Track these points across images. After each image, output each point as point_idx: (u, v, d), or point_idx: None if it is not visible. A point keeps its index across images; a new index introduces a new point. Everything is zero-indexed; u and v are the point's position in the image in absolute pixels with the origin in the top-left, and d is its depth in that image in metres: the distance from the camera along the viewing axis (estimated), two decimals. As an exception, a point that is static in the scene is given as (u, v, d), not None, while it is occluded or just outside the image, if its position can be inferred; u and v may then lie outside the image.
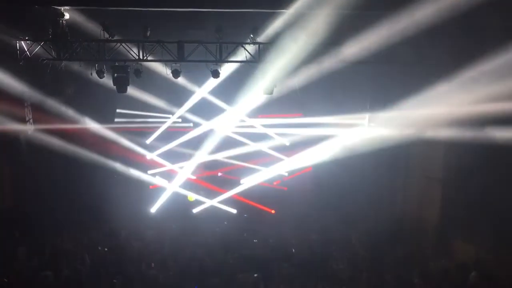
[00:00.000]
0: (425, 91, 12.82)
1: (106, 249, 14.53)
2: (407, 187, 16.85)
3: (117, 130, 18.58)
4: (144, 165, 19.47)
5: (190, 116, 19.21)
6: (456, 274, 12.51)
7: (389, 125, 15.21)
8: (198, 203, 19.50)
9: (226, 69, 14.73)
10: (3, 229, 15.24)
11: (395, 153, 16.62)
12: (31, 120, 16.23)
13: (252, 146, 19.75)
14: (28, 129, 16.18)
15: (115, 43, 12.95)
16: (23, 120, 15.94)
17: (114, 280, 12.02)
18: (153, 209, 19.28)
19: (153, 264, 13.32)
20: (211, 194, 19.78)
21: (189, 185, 19.84)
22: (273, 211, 19.60)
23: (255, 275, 12.52)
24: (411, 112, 13.65)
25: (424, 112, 13.16)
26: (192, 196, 19.32)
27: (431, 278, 12.34)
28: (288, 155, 19.70)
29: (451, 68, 11.96)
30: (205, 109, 18.80)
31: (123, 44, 12.99)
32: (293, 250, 14.93)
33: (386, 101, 15.04)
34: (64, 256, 13.46)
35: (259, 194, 19.92)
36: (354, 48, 12.73)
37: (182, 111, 18.83)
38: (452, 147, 13.79)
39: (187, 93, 17.90)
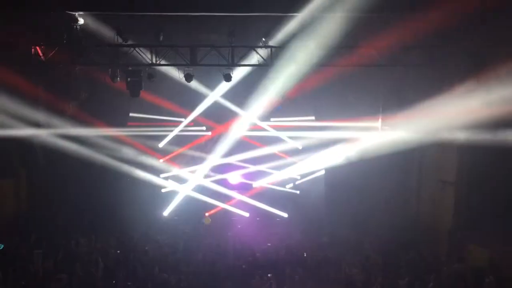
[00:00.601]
0: (439, 93, 12.74)
1: (118, 251, 14.62)
2: (420, 191, 16.70)
3: (130, 134, 18.73)
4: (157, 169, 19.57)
5: (202, 120, 19.30)
6: (471, 278, 12.36)
7: (403, 128, 15.12)
8: (210, 206, 19.53)
9: (239, 73, 14.77)
10: (19, 232, 15.42)
11: (409, 156, 16.51)
12: (45, 124, 16.40)
13: (264, 150, 19.78)
14: (43, 133, 16.36)
15: (128, 48, 13.06)
16: (38, 125, 16.12)
17: (128, 283, 12.10)
18: (166, 213, 19.37)
19: (167, 269, 13.37)
20: (223, 198, 19.84)
21: (202, 188, 19.89)
22: (285, 215, 19.57)
23: (269, 275, 12.50)
24: (424, 114, 13.55)
25: (437, 114, 13.06)
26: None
27: (446, 283, 12.21)
28: (300, 159, 19.68)
29: (466, 71, 11.87)
30: (217, 113, 18.86)
31: (137, 48, 13.09)
32: (305, 254, 14.87)
33: (399, 104, 14.95)
34: (78, 260, 13.55)
35: (272, 197, 19.92)
36: (367, 51, 12.70)
37: (194, 114, 18.92)
38: (466, 150, 13.66)
39: (199, 97, 17.96)
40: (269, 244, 15.95)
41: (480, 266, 12.68)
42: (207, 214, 18.99)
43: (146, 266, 13.32)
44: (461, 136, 12.88)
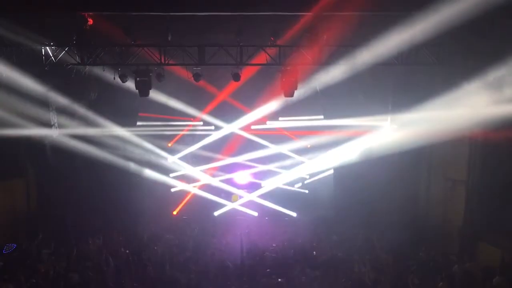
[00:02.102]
0: (449, 91, 12.65)
1: (127, 251, 14.67)
2: (430, 189, 16.61)
3: (139, 134, 18.84)
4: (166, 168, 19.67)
5: (211, 119, 19.35)
6: (481, 278, 12.27)
7: (412, 127, 15.04)
8: (219, 205, 19.59)
9: (247, 72, 14.77)
10: (29, 232, 15.54)
11: (418, 155, 16.42)
12: (56, 124, 16.53)
13: (273, 149, 19.79)
14: (53, 133, 16.48)
15: (137, 48, 13.12)
16: (48, 125, 16.24)
17: (138, 282, 12.15)
18: (175, 212, 19.44)
19: (175, 264, 13.43)
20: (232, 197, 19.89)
21: (211, 187, 19.95)
22: (294, 214, 19.57)
23: (279, 279, 12.47)
24: (434, 113, 13.47)
25: (447, 113, 12.97)
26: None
27: (456, 282, 12.12)
28: (309, 158, 19.66)
29: (476, 68, 11.77)
30: (226, 112, 18.89)
31: (145, 48, 13.15)
32: (314, 253, 14.84)
33: (408, 102, 14.86)
34: (89, 258, 13.63)
35: (280, 197, 19.93)
36: (376, 50, 12.65)
37: (203, 114, 18.97)
38: (477, 148, 13.56)
39: (208, 96, 18.00)
40: (276, 244, 15.93)
41: (491, 265, 12.58)
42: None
43: (156, 265, 13.37)
44: (471, 134, 12.81)
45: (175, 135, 19.84)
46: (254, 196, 19.81)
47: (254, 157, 19.95)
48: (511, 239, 12.53)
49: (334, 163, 18.81)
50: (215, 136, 19.73)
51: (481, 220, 13.64)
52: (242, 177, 20.66)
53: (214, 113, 19.04)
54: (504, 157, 12.42)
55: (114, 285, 12.31)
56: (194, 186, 19.83)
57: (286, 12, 11.54)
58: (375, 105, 16.65)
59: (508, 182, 12.65)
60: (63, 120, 16.47)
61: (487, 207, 13.45)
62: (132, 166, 18.55)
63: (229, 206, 19.56)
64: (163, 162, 19.63)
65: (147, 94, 13.85)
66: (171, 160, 19.85)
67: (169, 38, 12.69)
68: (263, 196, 19.81)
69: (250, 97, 17.62)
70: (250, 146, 19.76)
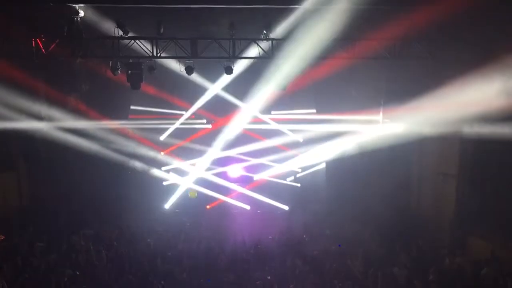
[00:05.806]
0: (440, 86, 12.70)
1: (121, 244, 14.65)
2: (421, 184, 16.72)
3: (131, 126, 18.76)
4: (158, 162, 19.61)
5: (203, 113, 19.30)
6: (472, 271, 12.38)
7: (404, 121, 15.11)
8: (212, 199, 19.58)
9: (240, 66, 14.73)
10: (20, 225, 15.45)
11: (410, 149, 16.50)
12: (46, 117, 16.39)
13: (265, 142, 19.78)
14: (44, 126, 16.36)
15: (129, 40, 13.02)
16: (38, 117, 16.11)
17: (131, 276, 12.14)
18: (167, 205, 19.41)
19: (168, 257, 13.44)
20: (224, 190, 19.88)
21: (203, 181, 19.93)
22: (286, 207, 19.61)
23: (268, 277, 12.47)
24: (425, 107, 13.52)
25: (439, 107, 13.03)
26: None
27: (446, 275, 12.22)
28: (301, 152, 19.68)
29: (467, 63, 11.83)
30: (218, 106, 18.84)
31: (137, 41, 13.06)
32: (306, 246, 14.89)
33: (400, 97, 14.91)
34: (81, 252, 13.59)
35: (273, 190, 19.96)
36: (369, 43, 12.66)
37: (195, 107, 18.91)
38: (468, 143, 13.65)
39: (200, 90, 17.94)
40: (270, 237, 15.99)
41: (481, 259, 12.70)
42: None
43: (149, 259, 13.36)
44: (462, 128, 12.89)
45: (167, 128, 19.76)
46: (246, 190, 19.83)
47: (246, 150, 19.94)
48: (501, 233, 12.65)
49: (326, 157, 18.85)
50: (207, 129, 19.71)
51: (471, 214, 13.76)
52: (234, 170, 20.65)
53: (206, 107, 18.99)
54: (495, 152, 12.51)
55: (106, 279, 12.30)
56: (186, 180, 19.78)
57: (278, 5, 11.50)
58: (368, 99, 16.70)
59: (499, 177, 12.76)
60: (54, 113, 16.34)
61: (477, 201, 13.56)
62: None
63: (221, 199, 19.57)
64: (155, 155, 19.57)
65: (139, 87, 13.76)
66: (163, 153, 19.79)
67: (161, 31, 12.61)
68: (255, 190, 19.83)
69: (243, 90, 17.58)
70: (242, 139, 19.73)
